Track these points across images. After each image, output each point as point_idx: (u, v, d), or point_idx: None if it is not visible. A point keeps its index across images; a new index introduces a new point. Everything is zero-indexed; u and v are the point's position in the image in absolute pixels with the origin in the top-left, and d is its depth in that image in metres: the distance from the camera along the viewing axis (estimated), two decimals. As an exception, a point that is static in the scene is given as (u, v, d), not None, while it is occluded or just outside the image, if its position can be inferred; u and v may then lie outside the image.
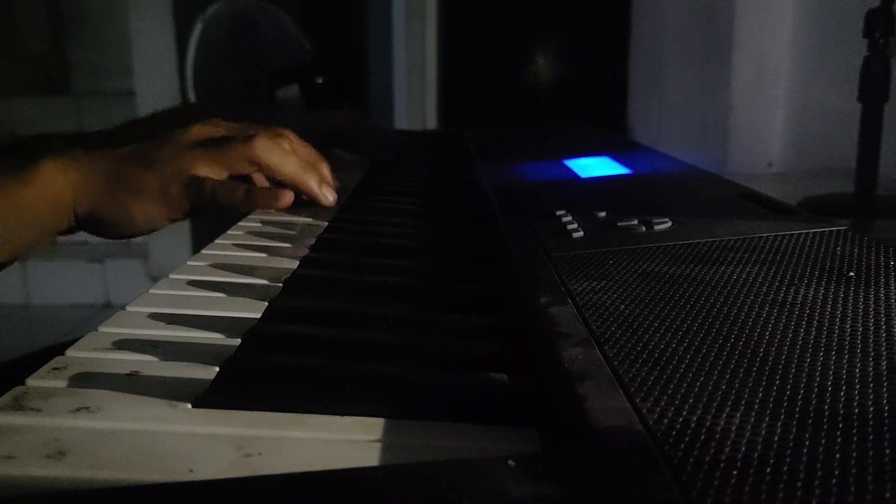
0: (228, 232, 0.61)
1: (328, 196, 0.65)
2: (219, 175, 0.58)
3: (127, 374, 0.33)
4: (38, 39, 3.22)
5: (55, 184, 0.55)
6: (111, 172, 0.56)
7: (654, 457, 0.22)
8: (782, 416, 0.25)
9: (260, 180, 0.62)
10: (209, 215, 0.60)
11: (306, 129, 0.69)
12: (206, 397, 0.30)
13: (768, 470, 0.21)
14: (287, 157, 0.61)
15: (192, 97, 2.31)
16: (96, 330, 0.38)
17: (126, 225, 0.57)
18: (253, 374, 0.32)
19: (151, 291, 0.45)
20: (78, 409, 0.30)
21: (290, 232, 0.62)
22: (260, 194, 0.59)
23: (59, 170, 0.55)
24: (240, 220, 0.64)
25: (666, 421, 0.24)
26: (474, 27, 2.31)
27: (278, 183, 0.62)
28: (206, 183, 0.57)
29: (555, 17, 2.23)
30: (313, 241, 0.56)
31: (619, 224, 0.52)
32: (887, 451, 0.22)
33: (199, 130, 0.60)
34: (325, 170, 0.66)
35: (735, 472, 0.21)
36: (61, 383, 0.32)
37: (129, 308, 0.42)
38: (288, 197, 0.60)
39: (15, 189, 0.54)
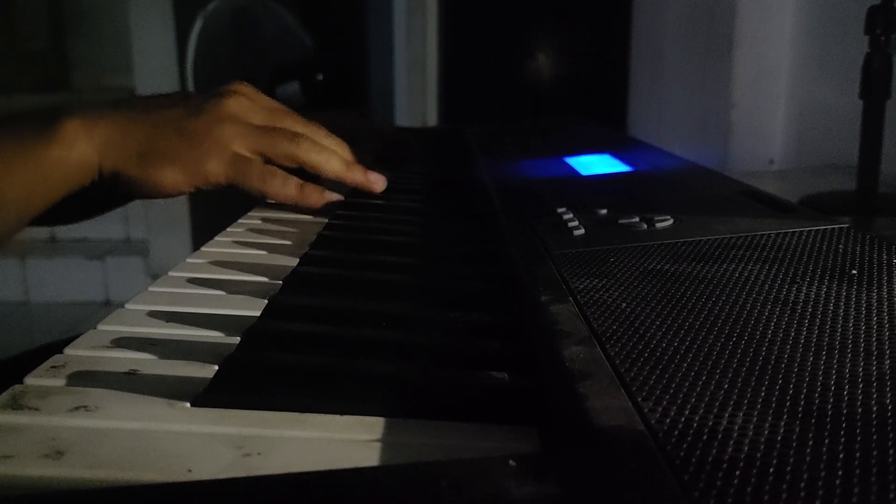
0: (228, 229, 0.61)
1: (378, 182, 0.66)
2: (256, 158, 0.58)
3: (125, 373, 0.33)
4: (38, 36, 3.22)
5: (79, 143, 0.52)
6: (143, 137, 0.54)
7: (656, 457, 0.22)
8: (785, 416, 0.24)
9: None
10: (209, 213, 0.60)
11: None
12: (205, 396, 0.30)
13: (771, 470, 0.21)
14: (330, 155, 0.62)
15: (192, 94, 2.31)
16: (95, 328, 0.38)
17: (152, 189, 0.56)
18: (252, 372, 0.32)
19: (151, 289, 0.45)
20: (76, 408, 0.29)
21: (290, 229, 0.61)
22: (314, 193, 0.60)
23: (84, 128, 0.53)
24: (240, 216, 0.64)
25: (668, 420, 0.24)
26: (475, 24, 2.30)
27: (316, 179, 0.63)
28: (254, 166, 0.56)
29: (555, 14, 2.22)
30: (313, 238, 0.56)
31: (620, 222, 0.51)
32: (891, 452, 0.22)
33: (237, 103, 0.59)
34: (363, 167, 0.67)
35: (737, 473, 0.21)
36: (60, 382, 0.32)
37: (128, 306, 0.42)
38: (336, 198, 0.61)
39: (38, 148, 0.51)
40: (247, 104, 0.59)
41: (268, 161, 0.59)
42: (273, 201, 0.63)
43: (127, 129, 0.54)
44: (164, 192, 0.56)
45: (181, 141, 0.55)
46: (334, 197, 0.62)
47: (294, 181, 0.58)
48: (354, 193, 0.70)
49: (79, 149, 0.52)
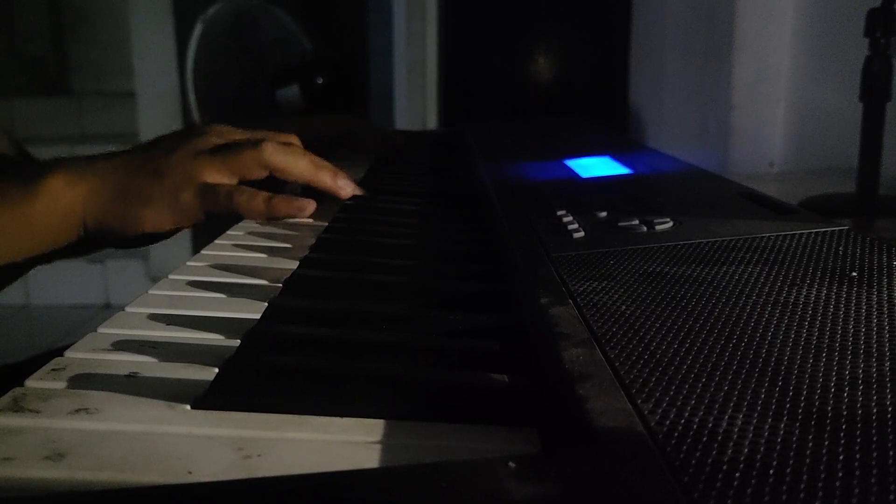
0: (228, 232, 0.61)
1: (346, 187, 0.65)
2: (230, 180, 0.58)
3: (126, 376, 0.33)
4: (38, 39, 3.23)
5: (64, 196, 0.54)
6: (120, 182, 0.56)
7: (656, 458, 0.22)
8: (785, 418, 0.24)
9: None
10: (209, 216, 0.60)
11: (303, 135, 0.69)
12: (206, 398, 0.30)
13: (771, 472, 0.21)
14: (297, 158, 0.62)
15: (192, 97, 2.31)
16: (96, 331, 0.38)
17: (135, 230, 0.57)
18: (252, 374, 0.32)
19: (151, 292, 0.45)
20: (77, 411, 0.29)
21: (290, 232, 0.61)
22: (281, 204, 0.59)
23: (68, 181, 0.55)
24: (239, 220, 0.64)
25: (667, 422, 0.24)
26: (474, 25, 2.30)
27: (287, 184, 0.62)
28: (221, 189, 0.57)
29: (555, 16, 2.23)
30: (313, 241, 0.56)
31: (619, 224, 0.51)
32: (890, 453, 0.22)
33: (207, 138, 0.60)
34: (335, 168, 0.67)
35: (737, 474, 0.21)
36: (60, 384, 0.32)
37: (128, 309, 0.42)
38: (310, 206, 0.60)
39: (24, 203, 0.53)
40: (215, 138, 0.60)
41: (243, 182, 0.60)
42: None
43: (105, 176, 0.56)
44: (146, 233, 0.57)
45: (155, 179, 0.56)
46: (305, 203, 0.61)
47: (262, 195, 0.58)
48: (353, 196, 0.70)
49: (63, 201, 0.55)
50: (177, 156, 0.58)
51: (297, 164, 0.61)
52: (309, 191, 0.65)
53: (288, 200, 0.60)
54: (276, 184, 0.63)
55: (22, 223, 0.54)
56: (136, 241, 0.59)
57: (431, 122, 2.33)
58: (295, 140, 0.65)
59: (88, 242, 0.58)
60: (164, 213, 0.57)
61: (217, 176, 0.58)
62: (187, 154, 0.58)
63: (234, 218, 0.63)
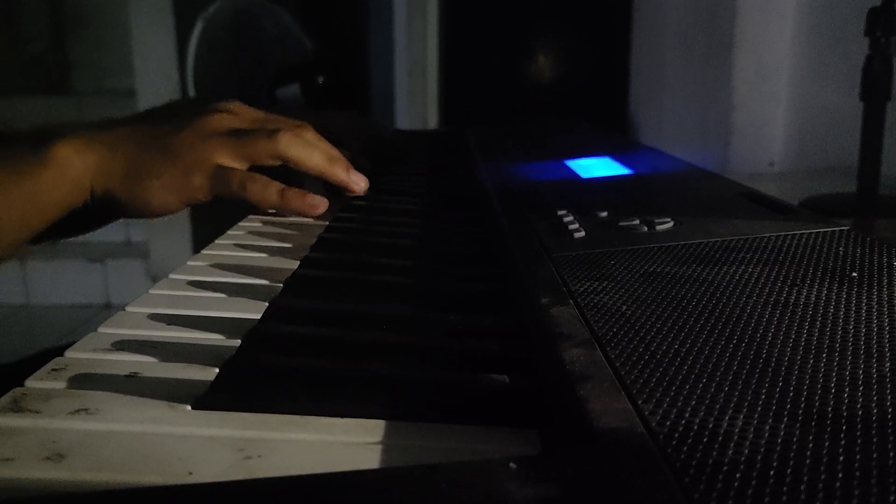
0: (229, 232, 0.61)
1: (359, 182, 0.65)
2: (241, 166, 0.58)
3: (126, 376, 0.33)
4: (39, 38, 3.23)
5: (72, 166, 0.53)
6: (131, 156, 0.55)
7: (657, 459, 0.22)
8: (785, 418, 0.24)
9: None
10: (209, 215, 0.60)
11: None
12: (206, 399, 0.30)
13: (771, 473, 0.21)
14: (312, 150, 0.61)
15: (192, 96, 2.31)
16: (96, 330, 0.38)
17: (142, 208, 0.56)
18: (253, 375, 0.32)
19: (151, 292, 0.45)
20: (77, 411, 0.29)
21: (290, 232, 0.61)
22: (295, 198, 0.59)
23: (76, 151, 0.54)
24: (240, 219, 0.64)
25: (668, 423, 0.24)
26: (475, 26, 2.30)
27: (301, 176, 0.62)
28: (234, 175, 0.57)
29: (556, 16, 2.23)
30: (314, 240, 0.56)
31: (620, 224, 0.51)
32: (891, 454, 0.22)
33: (220, 118, 0.59)
34: (349, 162, 0.66)
35: (738, 475, 0.21)
36: (60, 384, 0.32)
37: (128, 308, 0.42)
38: (322, 204, 0.60)
39: (32, 172, 0.52)
40: (229, 118, 0.60)
41: (254, 168, 0.59)
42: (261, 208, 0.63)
43: (115, 150, 0.55)
44: (153, 210, 0.57)
45: (165, 158, 0.56)
46: (318, 200, 0.61)
47: (275, 185, 0.58)
48: (354, 196, 0.70)
49: (72, 171, 0.54)
50: (189, 134, 0.57)
51: (312, 156, 0.61)
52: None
53: (301, 195, 0.59)
54: (289, 173, 0.63)
55: (29, 192, 0.52)
56: (144, 214, 0.58)
57: (432, 122, 2.33)
58: (309, 128, 0.64)
59: (94, 213, 0.57)
60: (174, 193, 0.56)
61: (229, 160, 0.57)
62: (200, 134, 0.57)
63: (235, 216, 0.63)
